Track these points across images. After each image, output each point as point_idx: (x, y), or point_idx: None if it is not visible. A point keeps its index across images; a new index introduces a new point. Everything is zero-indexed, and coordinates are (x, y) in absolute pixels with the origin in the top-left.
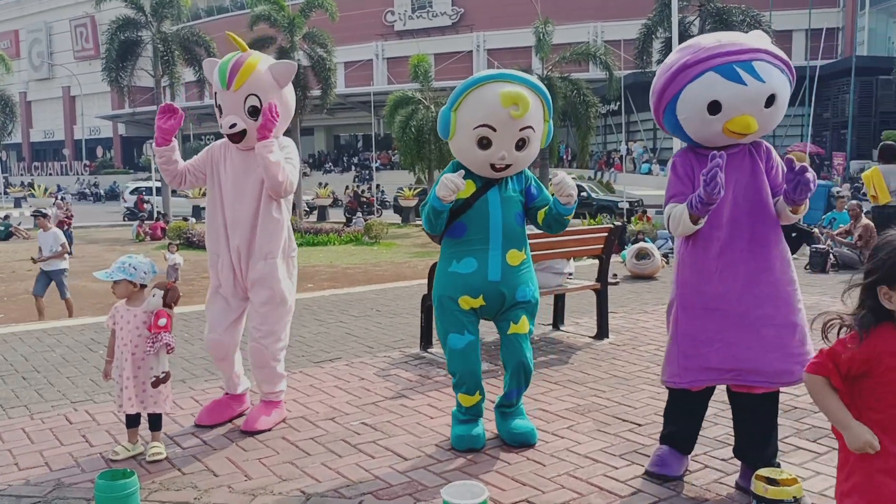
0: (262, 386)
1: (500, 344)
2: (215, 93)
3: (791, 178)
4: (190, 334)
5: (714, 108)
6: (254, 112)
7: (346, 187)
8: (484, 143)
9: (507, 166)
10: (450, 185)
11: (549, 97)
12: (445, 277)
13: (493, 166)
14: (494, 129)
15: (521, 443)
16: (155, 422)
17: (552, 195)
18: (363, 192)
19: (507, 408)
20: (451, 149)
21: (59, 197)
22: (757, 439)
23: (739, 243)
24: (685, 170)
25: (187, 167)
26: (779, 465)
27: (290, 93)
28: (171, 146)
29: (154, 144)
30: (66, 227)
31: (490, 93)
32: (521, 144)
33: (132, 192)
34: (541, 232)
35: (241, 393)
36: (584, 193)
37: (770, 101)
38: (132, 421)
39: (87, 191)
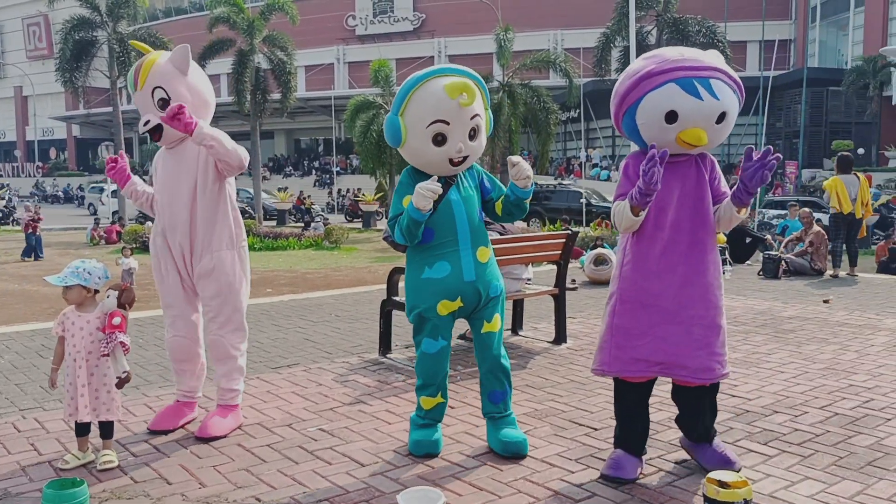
0: (220, 382)
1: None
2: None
3: (749, 167)
4: (144, 339)
5: (671, 117)
6: (163, 105)
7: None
8: (439, 140)
9: (464, 158)
10: (426, 194)
11: (485, 85)
12: (419, 285)
13: (451, 161)
14: (448, 123)
15: (513, 452)
16: (107, 429)
17: (509, 181)
18: (307, 198)
19: (496, 413)
20: (404, 155)
21: (11, 197)
22: (696, 417)
23: (680, 246)
24: (635, 171)
25: (154, 192)
26: (738, 471)
27: (197, 77)
28: (131, 182)
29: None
30: (31, 230)
31: (434, 87)
32: (472, 134)
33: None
34: (500, 237)
35: (193, 400)
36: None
37: (721, 117)
38: (82, 429)
39: (58, 192)
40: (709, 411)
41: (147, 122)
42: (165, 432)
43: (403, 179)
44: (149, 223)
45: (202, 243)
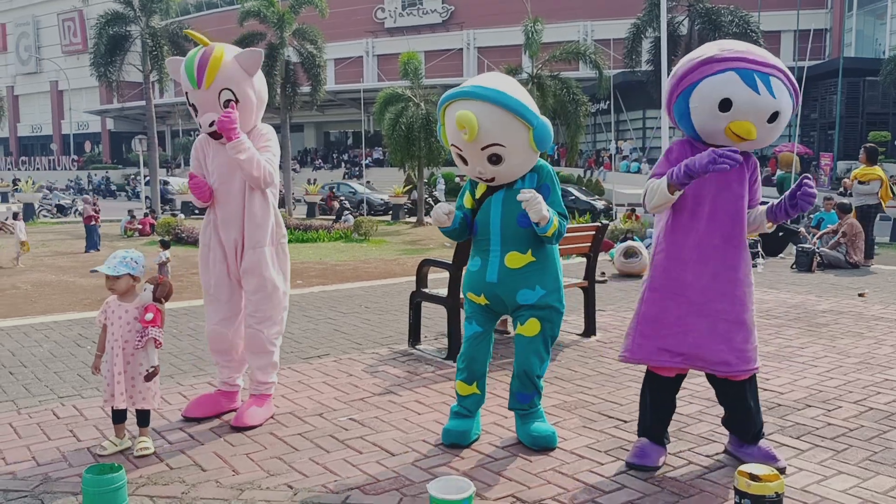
0: (255, 374)
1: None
2: (186, 92)
3: (801, 195)
4: (178, 330)
5: (725, 105)
6: (229, 105)
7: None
8: (462, 159)
9: (493, 178)
10: (439, 218)
11: (523, 103)
12: (467, 272)
13: (479, 177)
14: (461, 150)
15: (542, 446)
16: (143, 418)
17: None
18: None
19: (520, 410)
20: None
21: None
22: (737, 416)
23: (714, 239)
24: (679, 156)
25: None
26: (783, 468)
27: (259, 79)
28: (209, 200)
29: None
30: (94, 223)
31: (451, 114)
32: (494, 160)
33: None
34: None
35: (233, 391)
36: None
37: (774, 116)
38: (119, 416)
39: (102, 185)
40: (749, 410)
41: (213, 123)
42: (198, 420)
43: (446, 176)
44: (181, 215)
45: (250, 239)
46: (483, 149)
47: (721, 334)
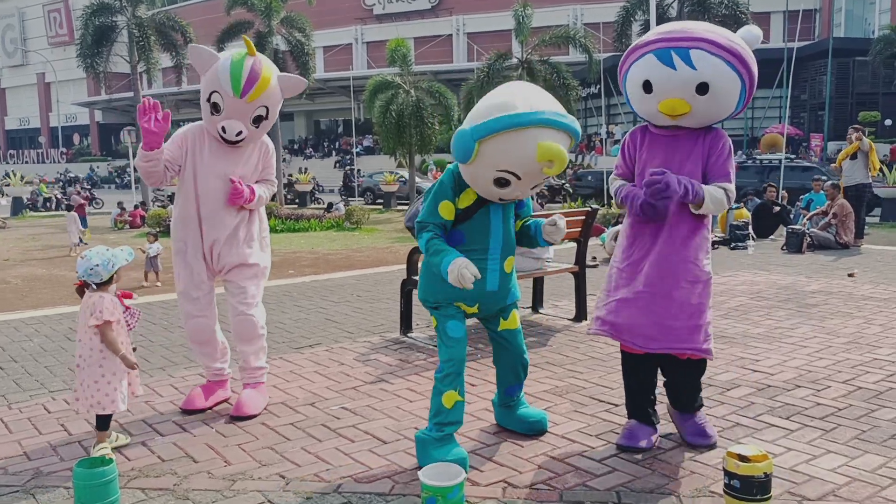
0: (249, 360)
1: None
2: (214, 90)
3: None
4: (169, 322)
5: (647, 87)
6: (257, 120)
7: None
8: (502, 183)
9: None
10: (464, 283)
11: (579, 133)
12: (437, 285)
13: (501, 199)
14: (519, 178)
15: (536, 430)
16: (100, 422)
17: (537, 224)
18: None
19: (510, 402)
20: (461, 169)
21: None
22: (672, 390)
23: (669, 219)
24: (629, 150)
25: (165, 165)
26: (712, 444)
27: None
28: (161, 149)
29: (142, 148)
30: (83, 214)
31: (528, 141)
32: (536, 186)
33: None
34: None
35: (223, 379)
36: None
37: (702, 88)
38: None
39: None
40: (685, 381)
41: (240, 133)
42: (197, 412)
43: (445, 179)
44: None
45: (243, 235)
46: (546, 178)
47: (655, 311)
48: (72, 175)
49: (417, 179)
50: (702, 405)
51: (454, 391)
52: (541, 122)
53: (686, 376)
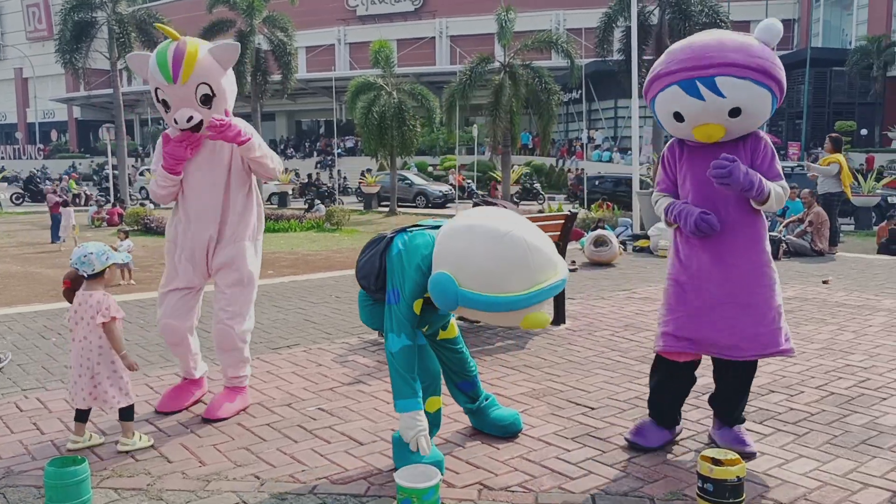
0: (226, 370)
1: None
2: (157, 88)
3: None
4: (146, 321)
5: (678, 118)
6: (206, 100)
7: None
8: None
9: None
10: (414, 447)
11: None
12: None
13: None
14: (500, 324)
15: (512, 432)
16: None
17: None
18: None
19: (471, 405)
20: (434, 279)
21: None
22: (724, 399)
23: (724, 227)
24: (668, 163)
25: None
26: (751, 454)
27: (230, 71)
28: (181, 176)
29: (165, 169)
30: (59, 212)
31: (517, 316)
32: None
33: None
34: None
35: (199, 377)
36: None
37: (735, 112)
38: (81, 415)
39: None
40: (738, 385)
41: (190, 118)
42: (173, 413)
43: (413, 275)
44: (150, 205)
45: (230, 233)
46: None
47: (724, 318)
48: (101, 170)
49: (420, 181)
50: (744, 420)
51: (437, 396)
52: (534, 304)
53: (740, 379)
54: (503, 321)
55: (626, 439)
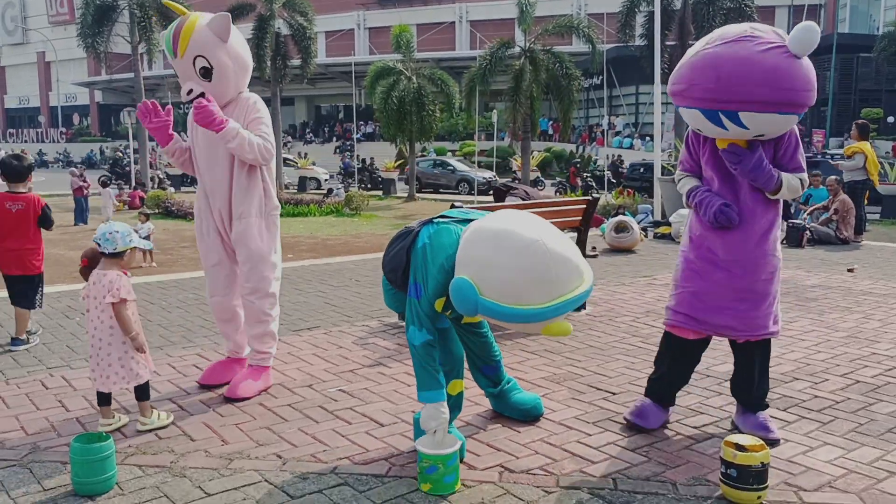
0: (252, 343)
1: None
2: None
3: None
4: (168, 302)
5: (700, 132)
6: (206, 73)
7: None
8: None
9: None
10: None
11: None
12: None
13: None
14: (525, 331)
15: (533, 416)
16: (138, 393)
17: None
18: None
19: (492, 388)
20: (455, 284)
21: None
22: (739, 379)
23: (744, 210)
24: (693, 144)
25: (190, 150)
26: (775, 440)
27: (237, 42)
28: (174, 140)
29: (160, 146)
30: (83, 195)
31: (537, 325)
32: None
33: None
34: (522, 203)
35: (244, 357)
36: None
37: (758, 136)
38: (103, 398)
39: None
40: (752, 375)
41: (190, 91)
42: (214, 387)
43: (436, 275)
44: (171, 188)
45: (236, 208)
46: None
47: (737, 301)
48: (71, 156)
49: (464, 167)
50: (767, 406)
51: (460, 379)
52: (556, 316)
53: (750, 358)
54: (524, 329)
55: (626, 419)
